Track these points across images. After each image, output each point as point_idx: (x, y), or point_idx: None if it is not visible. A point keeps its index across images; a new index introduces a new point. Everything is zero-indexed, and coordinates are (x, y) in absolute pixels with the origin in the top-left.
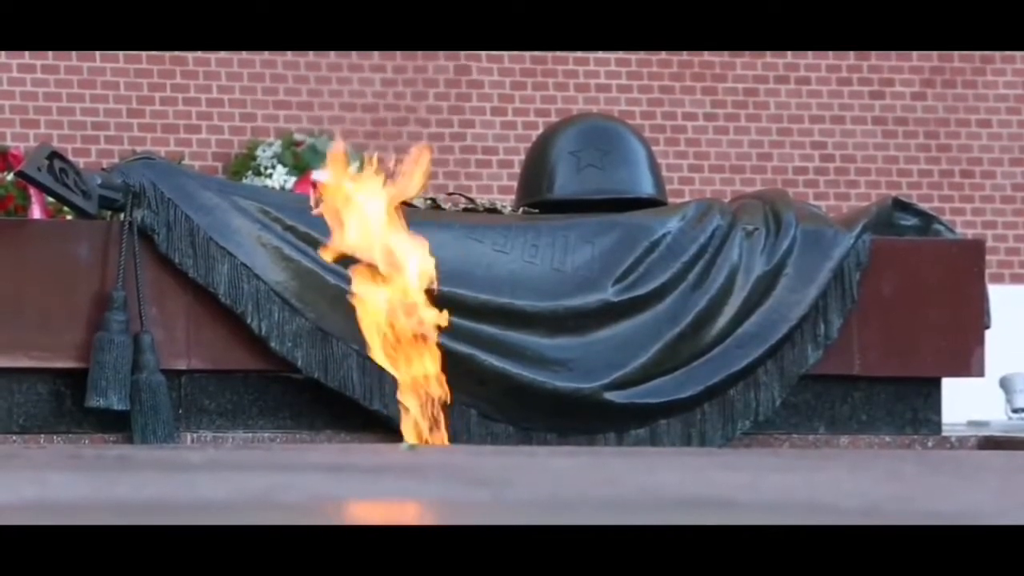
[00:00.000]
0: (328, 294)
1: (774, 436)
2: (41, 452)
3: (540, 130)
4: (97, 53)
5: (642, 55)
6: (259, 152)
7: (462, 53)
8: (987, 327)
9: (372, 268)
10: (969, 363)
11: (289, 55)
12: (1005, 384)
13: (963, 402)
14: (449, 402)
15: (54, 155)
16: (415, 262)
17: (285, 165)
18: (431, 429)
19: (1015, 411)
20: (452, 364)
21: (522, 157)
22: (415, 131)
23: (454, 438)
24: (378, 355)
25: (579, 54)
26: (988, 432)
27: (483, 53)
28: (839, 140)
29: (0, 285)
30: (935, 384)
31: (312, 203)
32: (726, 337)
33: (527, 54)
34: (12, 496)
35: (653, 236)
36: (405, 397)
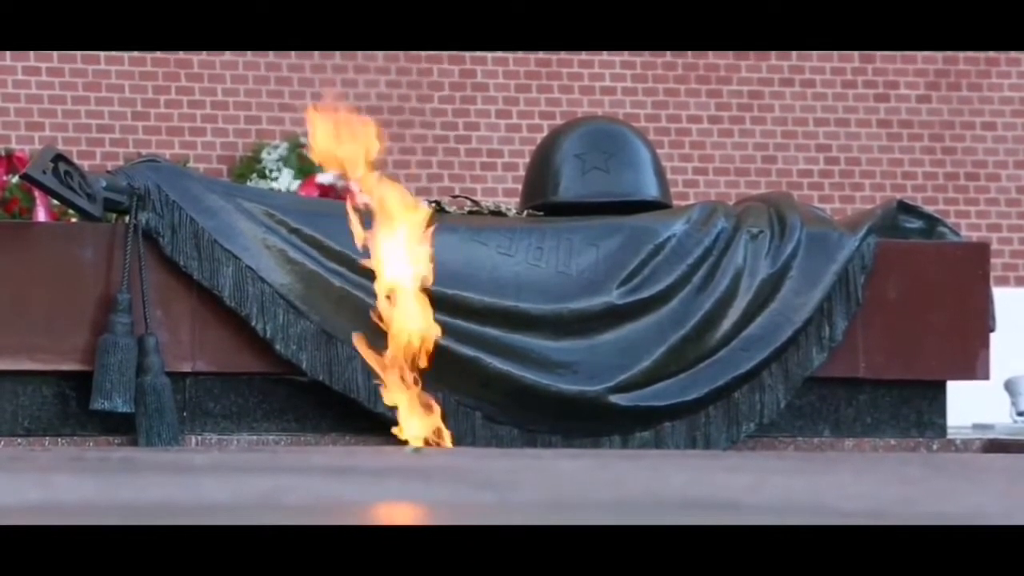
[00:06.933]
0: (333, 296)
1: (779, 439)
2: (46, 454)
3: (545, 133)
4: (101, 56)
5: (647, 57)
6: (264, 155)
7: (467, 56)
8: (992, 330)
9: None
10: (974, 366)
11: (293, 57)
12: (1010, 387)
13: (968, 405)
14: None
15: (59, 157)
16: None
17: (290, 168)
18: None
19: (1020, 414)
20: (456, 367)
21: (527, 160)
22: (420, 133)
23: (459, 441)
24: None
25: (584, 56)
26: (993, 435)
27: (488, 56)
28: (844, 143)
29: (5, 287)
30: (940, 387)
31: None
32: (731, 340)
33: (531, 56)
34: (17, 498)
35: (658, 239)
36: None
